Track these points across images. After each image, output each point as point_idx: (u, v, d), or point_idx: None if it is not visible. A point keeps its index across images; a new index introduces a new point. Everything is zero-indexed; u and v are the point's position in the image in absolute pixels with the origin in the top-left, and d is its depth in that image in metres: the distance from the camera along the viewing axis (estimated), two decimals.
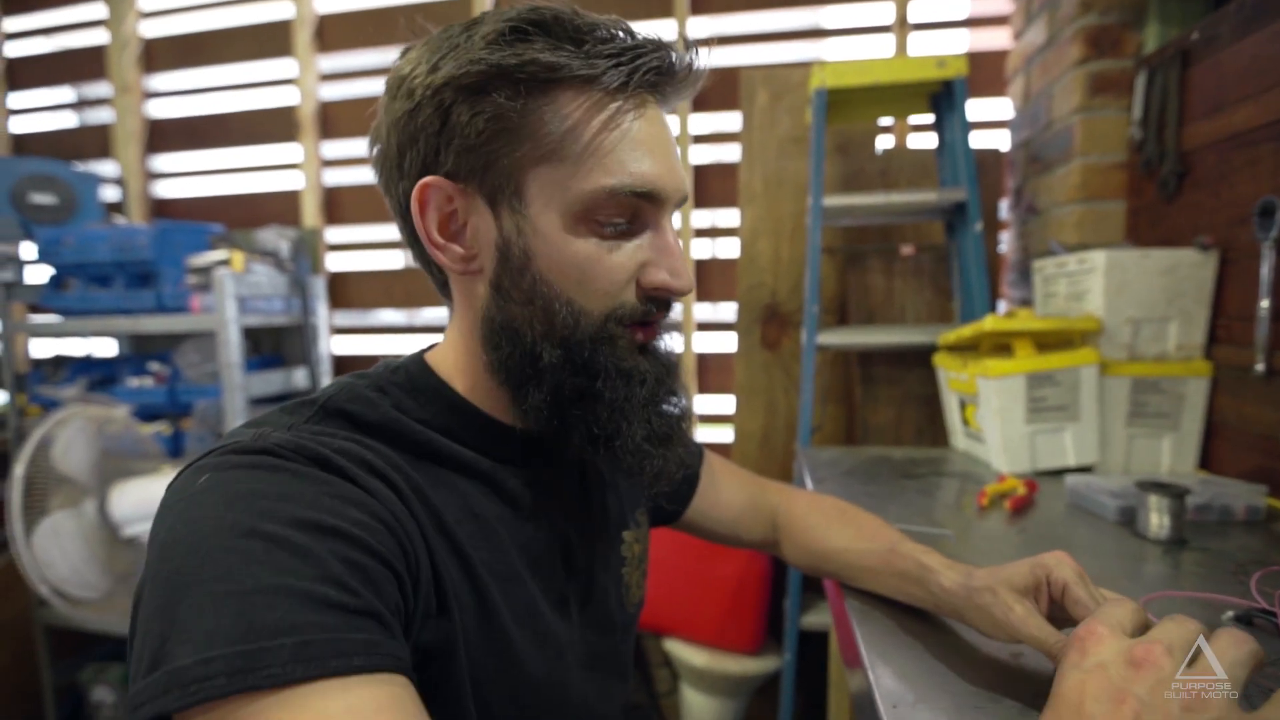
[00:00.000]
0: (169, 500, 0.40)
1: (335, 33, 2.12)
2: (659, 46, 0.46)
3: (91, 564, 1.35)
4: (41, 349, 2.33)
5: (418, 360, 0.53)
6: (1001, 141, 1.69)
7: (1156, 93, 1.17)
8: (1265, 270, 0.91)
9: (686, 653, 1.61)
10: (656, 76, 0.46)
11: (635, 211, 0.47)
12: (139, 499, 1.38)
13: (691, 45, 0.47)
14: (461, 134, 0.45)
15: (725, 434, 1.78)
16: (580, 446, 0.49)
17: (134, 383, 1.88)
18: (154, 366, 1.93)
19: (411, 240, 0.51)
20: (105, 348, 2.24)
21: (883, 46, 1.81)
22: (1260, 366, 0.92)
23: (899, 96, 1.46)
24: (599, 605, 0.59)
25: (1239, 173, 0.99)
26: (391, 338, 2.26)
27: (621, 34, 0.45)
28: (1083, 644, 0.36)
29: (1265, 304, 0.92)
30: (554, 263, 0.46)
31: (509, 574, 0.50)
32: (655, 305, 0.49)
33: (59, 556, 1.31)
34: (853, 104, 1.48)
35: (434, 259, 0.49)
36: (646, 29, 0.47)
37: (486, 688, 0.47)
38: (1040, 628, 0.46)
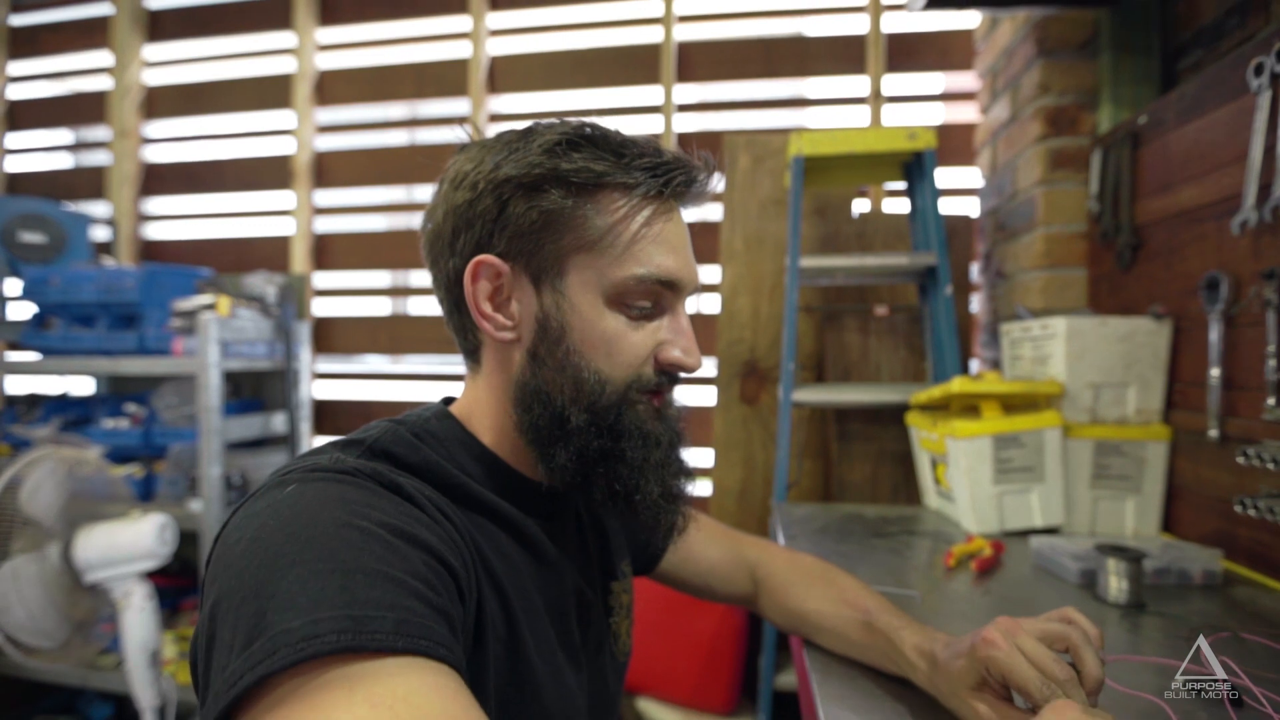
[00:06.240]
0: (252, 509, 0.42)
1: (334, 88, 2.20)
2: (686, 164, 0.55)
3: (50, 611, 1.30)
4: (16, 386, 2.30)
5: (443, 412, 0.58)
6: (972, 208, 1.77)
7: (1111, 170, 1.24)
8: (1214, 339, 0.96)
9: (660, 713, 1.57)
10: (683, 188, 0.55)
11: (658, 297, 0.55)
12: (106, 544, 1.34)
13: (710, 166, 0.57)
14: (515, 222, 0.52)
15: (704, 488, 1.78)
16: (601, 502, 0.55)
17: (109, 423, 1.87)
18: (130, 408, 1.91)
19: (452, 309, 0.58)
20: (82, 387, 2.22)
21: (858, 116, 1.91)
22: (1214, 432, 0.96)
23: (873, 165, 1.53)
24: (604, 655, 0.63)
25: (1188, 247, 1.05)
26: (376, 383, 2.26)
27: (653, 151, 0.54)
28: None
29: (1215, 372, 0.96)
30: (586, 336, 0.53)
31: (535, 611, 0.54)
32: (667, 378, 0.56)
33: (16, 602, 1.27)
34: (829, 170, 1.54)
35: (479, 326, 0.55)
36: (661, 142, 0.56)
37: (507, 718, 0.50)
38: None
